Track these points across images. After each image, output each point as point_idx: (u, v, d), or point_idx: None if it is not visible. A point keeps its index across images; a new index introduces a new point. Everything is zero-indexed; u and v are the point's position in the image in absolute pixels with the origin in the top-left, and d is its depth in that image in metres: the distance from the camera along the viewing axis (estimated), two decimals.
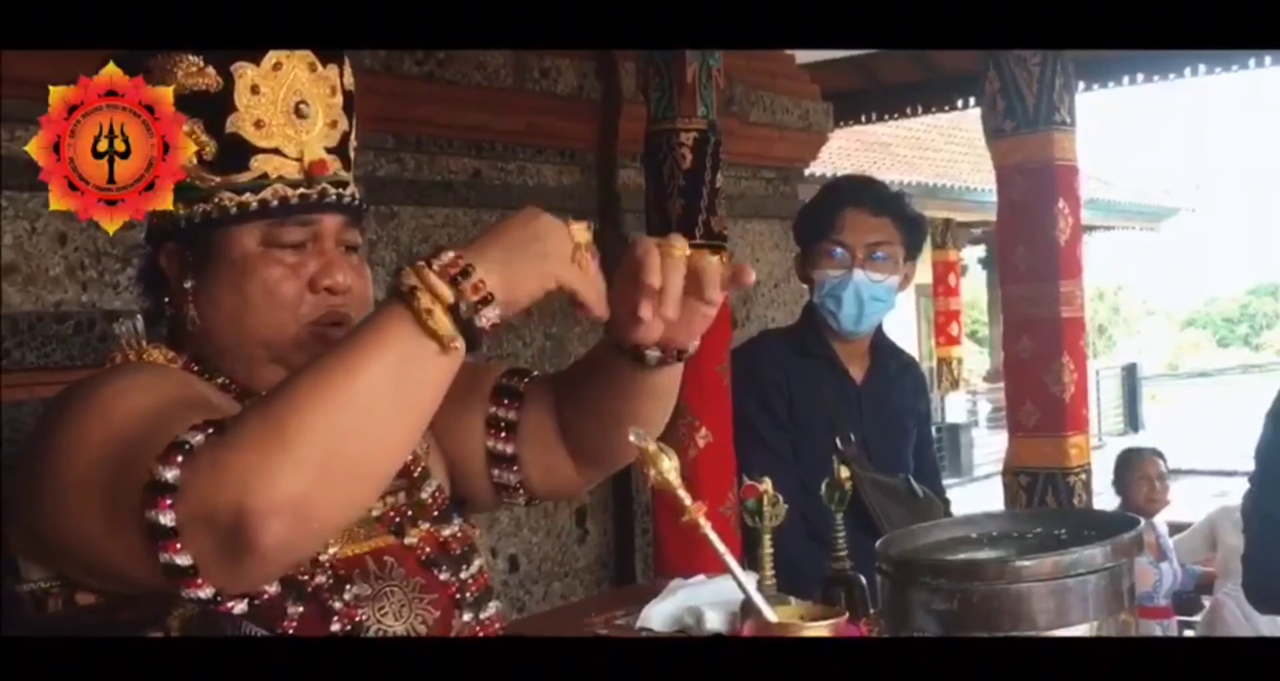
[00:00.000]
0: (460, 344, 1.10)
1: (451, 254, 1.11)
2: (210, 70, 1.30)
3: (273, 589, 1.25)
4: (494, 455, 1.49)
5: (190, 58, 1.30)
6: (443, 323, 1.09)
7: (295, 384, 1.11)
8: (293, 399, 1.08)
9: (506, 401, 1.49)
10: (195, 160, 1.30)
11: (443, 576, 1.38)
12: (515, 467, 1.49)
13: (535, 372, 1.55)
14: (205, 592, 1.10)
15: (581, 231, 1.19)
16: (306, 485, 1.05)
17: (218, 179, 1.31)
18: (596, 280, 1.20)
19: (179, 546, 1.07)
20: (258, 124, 1.31)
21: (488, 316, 1.10)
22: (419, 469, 1.44)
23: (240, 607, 1.22)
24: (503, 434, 1.48)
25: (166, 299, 1.38)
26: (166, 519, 1.06)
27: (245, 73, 1.31)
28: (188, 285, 1.34)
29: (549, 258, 1.16)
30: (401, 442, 1.15)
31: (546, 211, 1.19)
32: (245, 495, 1.04)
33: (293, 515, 1.05)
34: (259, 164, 1.32)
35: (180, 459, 1.08)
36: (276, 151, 1.32)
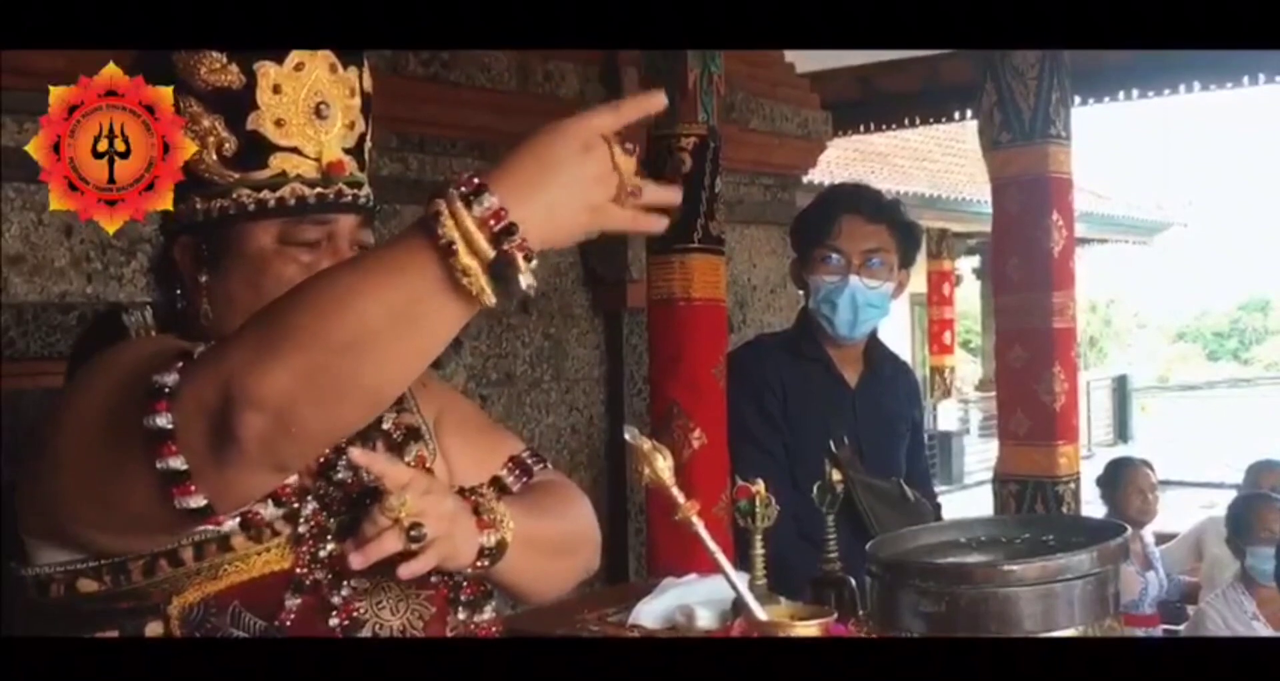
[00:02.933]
0: (490, 299, 1.05)
1: (494, 201, 1.03)
2: (233, 68, 1.31)
3: (266, 511, 1.28)
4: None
5: (214, 54, 1.31)
6: (479, 282, 1.04)
7: (303, 292, 1.12)
8: (296, 305, 1.10)
9: (518, 472, 1.55)
10: (215, 156, 1.32)
11: (434, 577, 1.39)
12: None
13: (549, 464, 1.61)
14: (197, 501, 1.13)
15: (624, 158, 1.09)
16: (289, 387, 1.06)
17: (236, 175, 1.33)
18: (641, 219, 1.12)
19: (174, 448, 1.11)
20: (278, 123, 1.33)
21: (526, 279, 1.04)
22: (423, 470, 1.44)
23: (230, 524, 1.25)
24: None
25: (178, 292, 1.40)
26: (163, 420, 1.11)
27: (268, 72, 1.32)
28: (202, 279, 1.36)
29: (592, 194, 1.08)
30: (397, 372, 1.12)
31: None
32: (232, 384, 1.07)
33: (273, 414, 1.07)
34: (278, 162, 1.33)
35: (181, 364, 1.13)
36: (296, 150, 1.34)
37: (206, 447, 1.11)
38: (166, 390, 1.11)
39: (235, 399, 1.07)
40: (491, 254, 1.03)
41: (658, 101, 1.12)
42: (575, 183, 1.07)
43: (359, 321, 1.06)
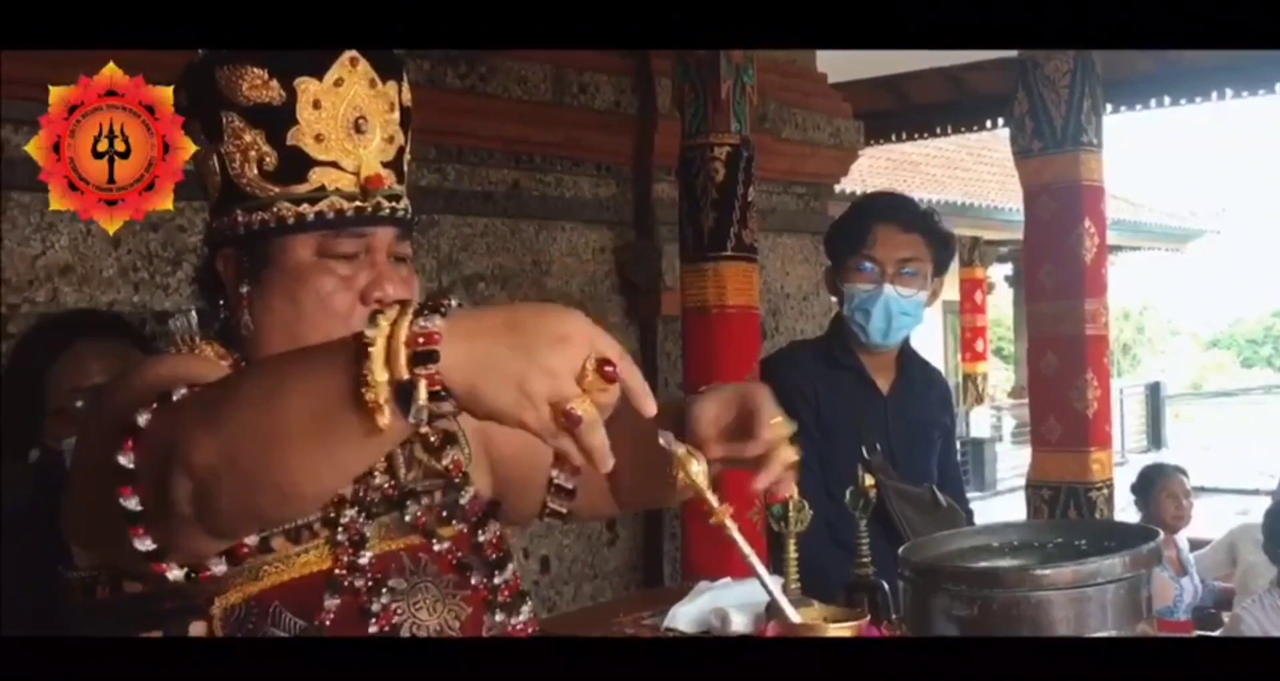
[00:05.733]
0: (384, 418, 1.00)
1: (437, 324, 0.99)
2: (274, 83, 1.32)
3: (218, 567, 1.23)
4: (556, 486, 1.55)
5: (255, 70, 1.32)
6: (378, 396, 1.00)
7: (248, 376, 1.16)
8: (239, 387, 1.13)
9: (569, 469, 1.54)
10: (256, 170, 1.34)
11: (474, 579, 1.41)
12: (571, 499, 1.55)
13: None
14: (145, 544, 1.14)
15: (595, 383, 1.03)
16: (214, 464, 1.07)
17: (276, 189, 1.34)
18: (591, 434, 1.03)
19: (129, 489, 1.12)
20: (318, 138, 1.34)
21: (415, 410, 1.00)
22: (459, 475, 1.47)
23: (176, 574, 1.19)
24: (568, 470, 1.52)
25: (221, 302, 1.41)
26: (126, 459, 1.12)
27: (308, 88, 1.33)
28: (243, 290, 1.38)
29: (533, 380, 1.00)
30: (307, 476, 1.09)
31: (571, 302, 1.10)
32: (175, 449, 1.09)
33: (198, 486, 1.09)
34: (317, 176, 1.34)
35: (156, 406, 1.13)
36: (334, 165, 1.35)
37: (154, 495, 1.12)
38: (138, 428, 1.12)
39: (172, 459, 1.08)
40: (405, 375, 0.99)
41: (648, 406, 1.10)
42: (525, 358, 1.00)
43: (278, 417, 1.05)
